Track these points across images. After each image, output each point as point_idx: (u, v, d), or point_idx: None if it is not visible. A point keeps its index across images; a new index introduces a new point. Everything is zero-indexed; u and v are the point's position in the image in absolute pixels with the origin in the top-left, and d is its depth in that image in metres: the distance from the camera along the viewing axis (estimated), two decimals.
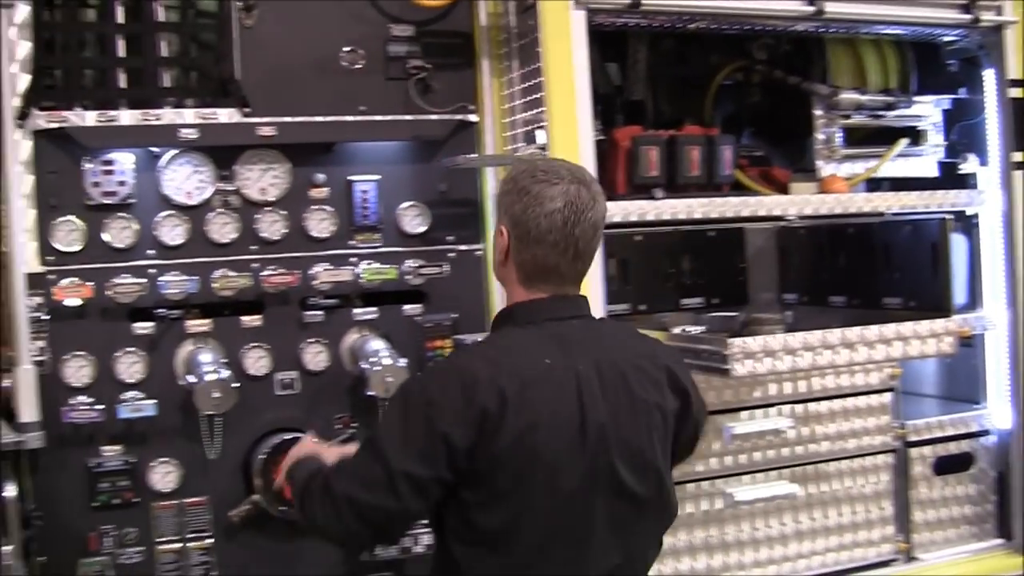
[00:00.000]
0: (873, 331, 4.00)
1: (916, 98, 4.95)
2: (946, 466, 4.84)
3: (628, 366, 2.97)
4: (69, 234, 3.83)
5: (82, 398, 3.81)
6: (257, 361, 4.04)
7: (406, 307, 4.22)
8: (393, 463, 2.78)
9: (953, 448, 4.86)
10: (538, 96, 4.03)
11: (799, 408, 4.54)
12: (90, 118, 3.81)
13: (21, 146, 3.75)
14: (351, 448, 3.19)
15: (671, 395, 3.05)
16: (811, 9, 4.37)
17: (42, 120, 3.77)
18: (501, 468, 2.80)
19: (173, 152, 3.95)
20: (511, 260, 2.97)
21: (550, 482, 2.83)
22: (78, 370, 3.82)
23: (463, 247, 4.29)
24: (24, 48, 3.74)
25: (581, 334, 2.99)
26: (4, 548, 3.46)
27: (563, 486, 2.85)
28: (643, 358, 3.04)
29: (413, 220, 4.24)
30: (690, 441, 3.28)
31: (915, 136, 5.01)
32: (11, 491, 3.56)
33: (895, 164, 4.96)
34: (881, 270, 4.71)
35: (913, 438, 4.76)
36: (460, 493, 2.84)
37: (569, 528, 2.88)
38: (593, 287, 3.97)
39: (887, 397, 4.70)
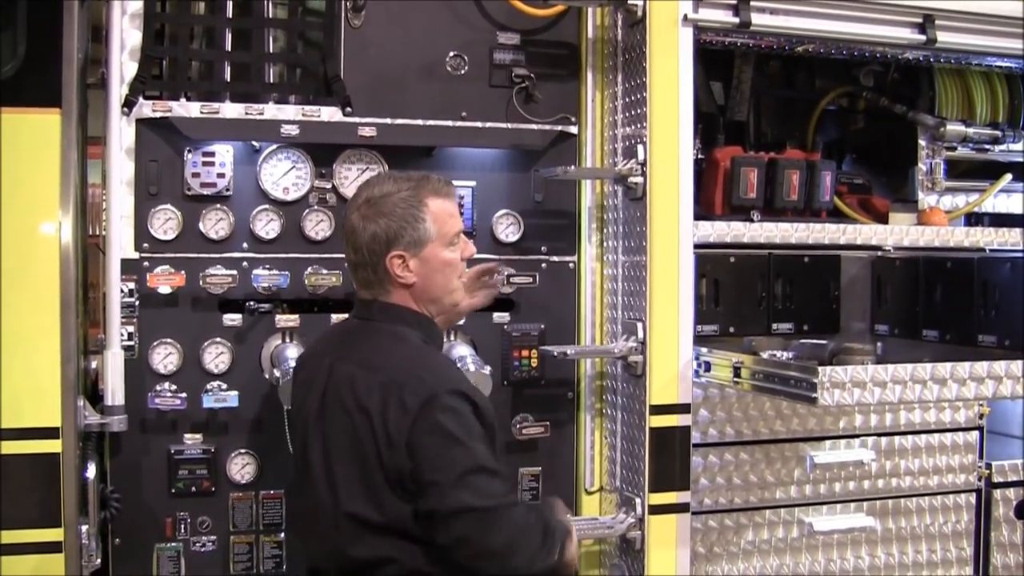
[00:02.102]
0: (965, 368, 3.70)
1: None
2: None
3: (359, 371, 2.97)
4: (166, 222, 3.72)
5: (167, 385, 3.70)
6: None
7: (495, 315, 4.02)
8: None
9: None
10: (641, 111, 3.82)
11: (884, 441, 4.30)
12: (194, 109, 3.67)
13: (125, 133, 3.65)
14: None
15: (408, 421, 2.84)
16: (922, 38, 4.07)
17: (147, 109, 3.65)
18: None
19: (273, 147, 3.81)
20: None
21: (295, 452, 3.20)
22: (165, 357, 3.71)
23: (555, 258, 4.08)
24: (134, 37, 3.62)
25: (352, 334, 3.17)
26: (81, 527, 3.36)
27: (296, 461, 3.15)
28: (377, 370, 2.94)
29: (507, 228, 4.05)
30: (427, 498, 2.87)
31: (1020, 171, 4.71)
32: (92, 472, 3.46)
33: (997, 199, 4.73)
34: (977, 306, 4.42)
35: (998, 479, 4.46)
36: None
37: (305, 505, 3.09)
38: (682, 307, 3.80)
39: (974, 436, 4.43)
